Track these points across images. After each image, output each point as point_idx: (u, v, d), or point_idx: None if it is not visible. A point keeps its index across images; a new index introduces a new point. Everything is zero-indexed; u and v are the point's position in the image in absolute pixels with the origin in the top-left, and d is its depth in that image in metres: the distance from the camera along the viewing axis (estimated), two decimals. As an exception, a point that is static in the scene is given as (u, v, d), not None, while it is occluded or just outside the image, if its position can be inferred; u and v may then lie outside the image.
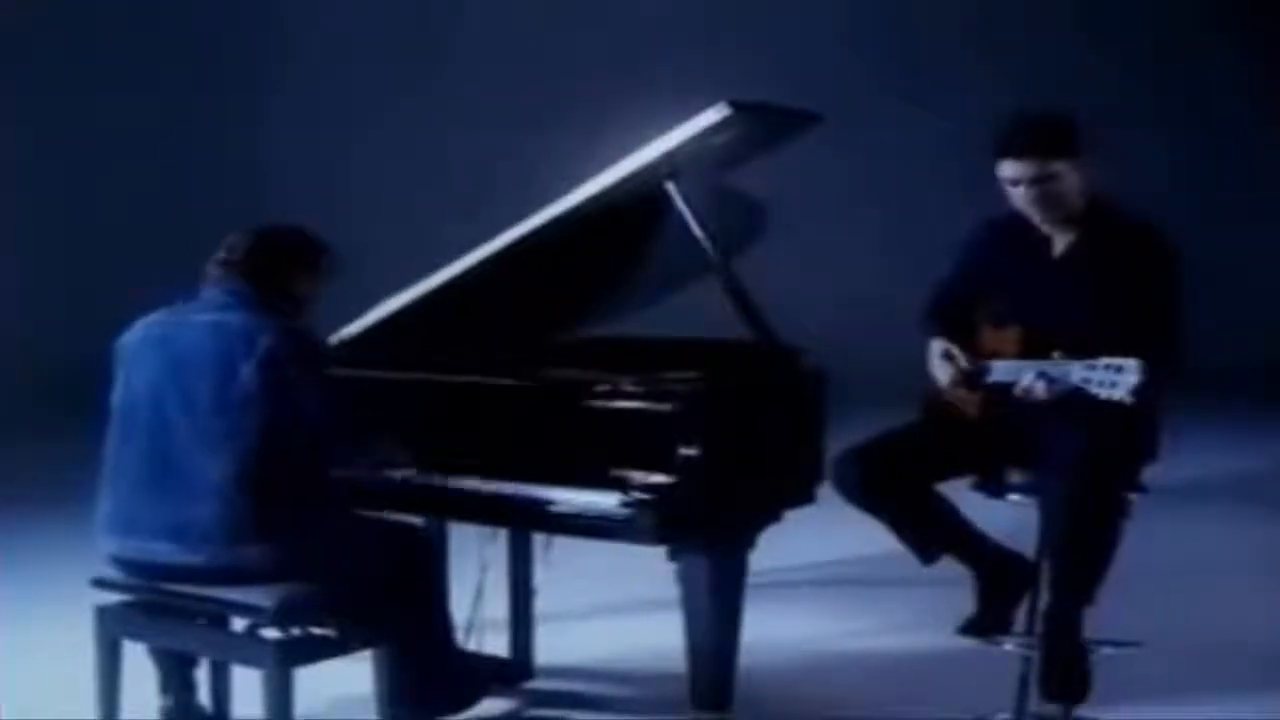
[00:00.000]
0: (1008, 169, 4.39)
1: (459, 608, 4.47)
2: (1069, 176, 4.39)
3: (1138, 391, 3.89)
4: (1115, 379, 3.93)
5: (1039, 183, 4.36)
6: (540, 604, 4.87)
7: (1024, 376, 4.16)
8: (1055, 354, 4.10)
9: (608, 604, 5.64)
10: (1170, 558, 5.94)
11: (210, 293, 3.99)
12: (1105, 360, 3.97)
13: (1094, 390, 3.97)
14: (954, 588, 4.70)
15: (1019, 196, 4.41)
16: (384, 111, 11.98)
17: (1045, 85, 8.74)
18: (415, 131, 11.91)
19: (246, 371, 3.80)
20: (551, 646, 4.92)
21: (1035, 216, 4.45)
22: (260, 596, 3.78)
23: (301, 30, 12.24)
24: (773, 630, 4.87)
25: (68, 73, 11.50)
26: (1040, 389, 4.10)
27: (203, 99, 11.77)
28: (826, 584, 6.07)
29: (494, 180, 10.44)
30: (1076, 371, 4.02)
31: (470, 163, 11.71)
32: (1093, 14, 12.33)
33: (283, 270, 4.04)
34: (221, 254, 4.03)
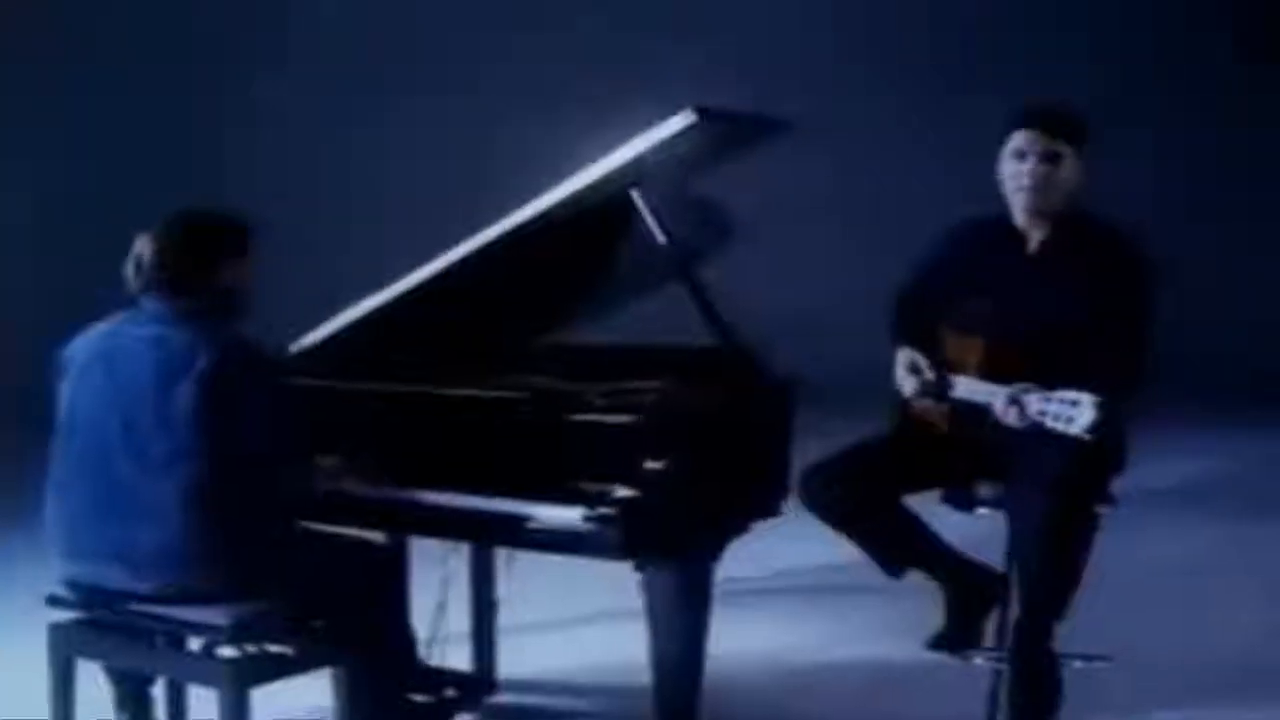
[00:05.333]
0: (1019, 139, 4.39)
1: (420, 622, 4.40)
2: (1069, 165, 4.39)
3: (1094, 429, 3.86)
4: (1071, 414, 3.89)
5: (1046, 160, 4.37)
6: (503, 616, 4.81)
7: (996, 402, 4.11)
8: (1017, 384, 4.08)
9: (571, 616, 5.58)
10: (1135, 566, 5.90)
11: (149, 303, 3.83)
12: (1060, 394, 3.93)
13: (1050, 424, 3.93)
14: (923, 596, 4.65)
15: (1020, 172, 4.39)
16: (362, 112, 11.90)
17: (1031, 87, 8.71)
18: (391, 132, 11.82)
19: (186, 390, 3.67)
20: (515, 660, 4.86)
21: (1025, 200, 4.41)
22: (216, 615, 3.70)
23: (281, 27, 12.14)
24: (738, 641, 4.81)
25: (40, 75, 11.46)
26: (1013, 416, 4.06)
27: (180, 96, 11.69)
28: (793, 592, 6.03)
29: (474, 179, 10.32)
30: (1034, 403, 3.99)
31: (450, 161, 11.61)
32: (1083, 14, 12.23)
33: (204, 265, 3.83)
34: (136, 262, 3.84)
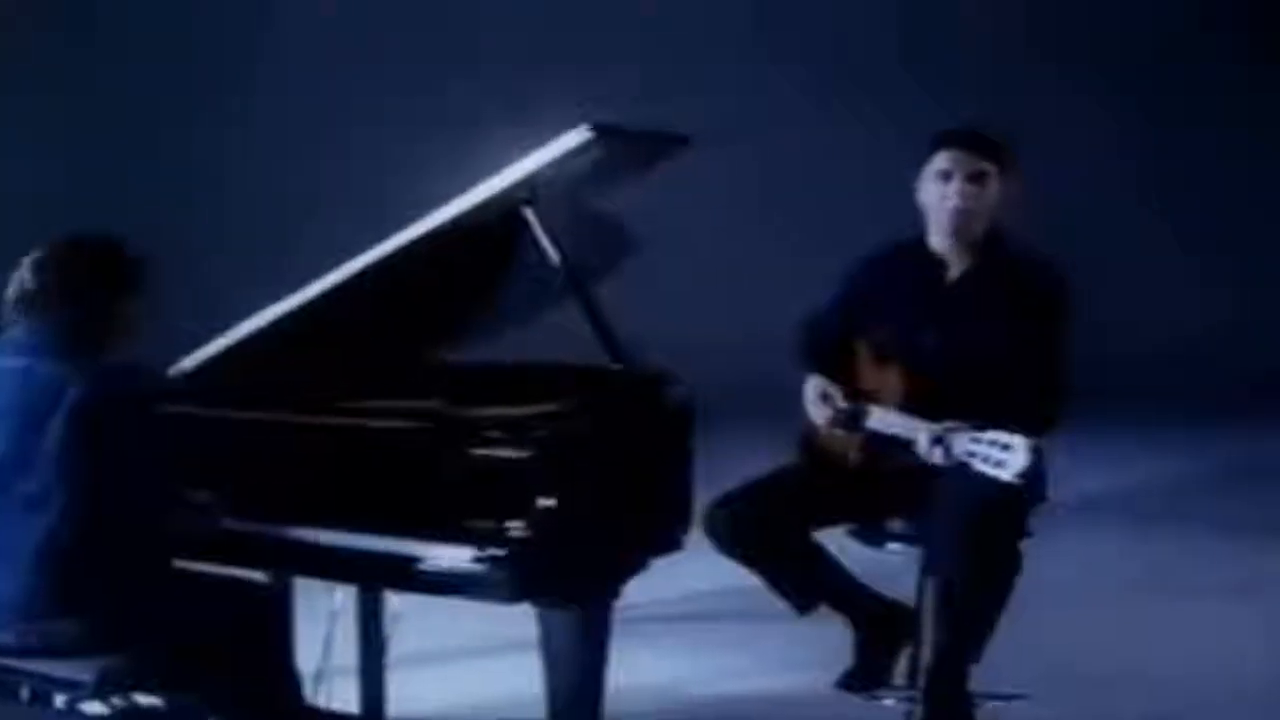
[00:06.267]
0: (943, 160, 4.30)
1: (308, 658, 4.20)
2: (994, 186, 4.31)
3: (1025, 474, 3.72)
4: (1002, 457, 3.77)
5: (972, 180, 4.27)
6: (392, 648, 4.59)
7: (920, 441, 3.96)
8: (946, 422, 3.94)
9: (463, 647, 5.36)
10: (1047, 591, 5.77)
11: (16, 331, 3.62)
12: (991, 435, 3.80)
13: (979, 466, 3.81)
14: (830, 626, 4.53)
15: (946, 194, 4.28)
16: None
17: (970, 96, 8.64)
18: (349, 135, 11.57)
19: (55, 427, 3.46)
20: (405, 696, 4.64)
21: (952, 223, 4.30)
22: (79, 669, 3.48)
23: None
24: (637, 673, 4.64)
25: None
26: (938, 456, 3.92)
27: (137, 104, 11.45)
28: (694, 620, 5.83)
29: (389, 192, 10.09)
30: (961, 443, 3.85)
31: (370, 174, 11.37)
32: (1019, 28, 12.10)
33: (97, 295, 3.63)
34: (17, 287, 3.63)
